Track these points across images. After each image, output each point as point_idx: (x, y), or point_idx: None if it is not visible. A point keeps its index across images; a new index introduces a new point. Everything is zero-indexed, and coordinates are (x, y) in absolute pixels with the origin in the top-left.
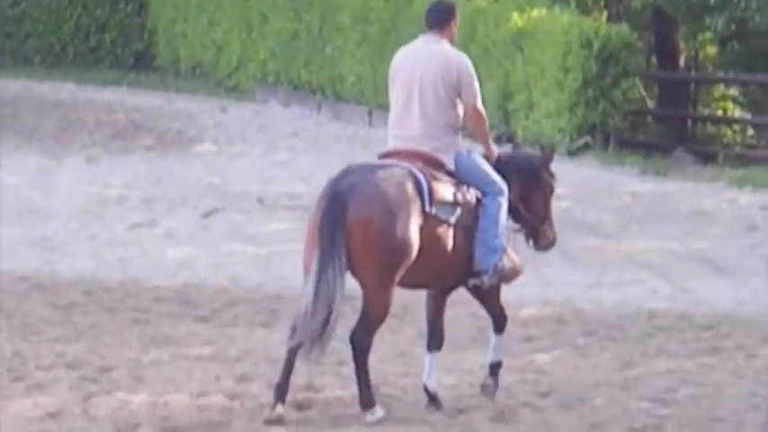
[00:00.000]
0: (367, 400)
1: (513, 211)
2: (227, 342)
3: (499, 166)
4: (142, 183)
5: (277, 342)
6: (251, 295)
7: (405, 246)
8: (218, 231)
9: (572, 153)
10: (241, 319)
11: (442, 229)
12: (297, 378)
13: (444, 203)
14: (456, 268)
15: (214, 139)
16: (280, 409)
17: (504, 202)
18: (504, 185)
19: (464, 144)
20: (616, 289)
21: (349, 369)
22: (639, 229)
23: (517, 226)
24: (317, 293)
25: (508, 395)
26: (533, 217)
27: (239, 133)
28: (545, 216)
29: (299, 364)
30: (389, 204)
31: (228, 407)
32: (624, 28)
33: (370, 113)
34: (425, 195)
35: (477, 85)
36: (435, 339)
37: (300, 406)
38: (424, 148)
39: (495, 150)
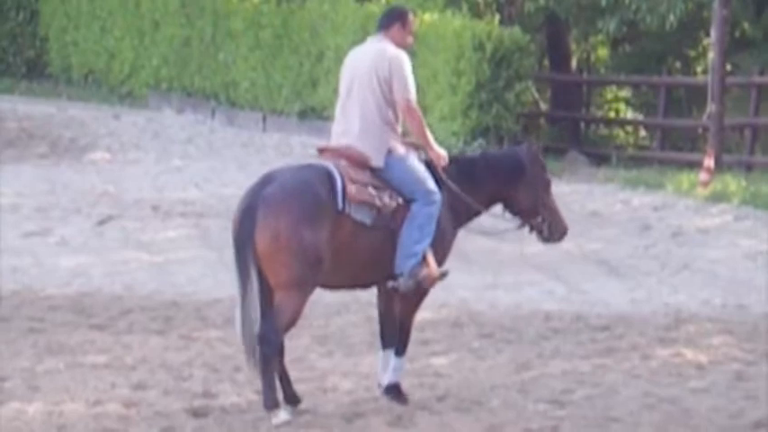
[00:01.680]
0: (271, 402)
1: (508, 209)
2: (123, 350)
3: (463, 168)
4: (35, 191)
5: (173, 349)
6: (146, 303)
7: (311, 255)
8: (112, 239)
9: None
10: (136, 326)
11: (358, 231)
12: (193, 385)
13: (361, 204)
14: (376, 269)
15: (108, 147)
16: (283, 415)
17: (434, 210)
18: (436, 194)
19: (406, 145)
20: (511, 291)
21: (245, 375)
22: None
23: (513, 225)
24: (242, 313)
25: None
26: (522, 213)
27: (133, 140)
28: (535, 210)
29: (195, 371)
30: (294, 216)
31: (125, 415)
32: (516, 31)
33: (264, 119)
34: (338, 196)
35: (410, 81)
36: (387, 337)
37: (197, 413)
38: (357, 145)
39: (438, 149)
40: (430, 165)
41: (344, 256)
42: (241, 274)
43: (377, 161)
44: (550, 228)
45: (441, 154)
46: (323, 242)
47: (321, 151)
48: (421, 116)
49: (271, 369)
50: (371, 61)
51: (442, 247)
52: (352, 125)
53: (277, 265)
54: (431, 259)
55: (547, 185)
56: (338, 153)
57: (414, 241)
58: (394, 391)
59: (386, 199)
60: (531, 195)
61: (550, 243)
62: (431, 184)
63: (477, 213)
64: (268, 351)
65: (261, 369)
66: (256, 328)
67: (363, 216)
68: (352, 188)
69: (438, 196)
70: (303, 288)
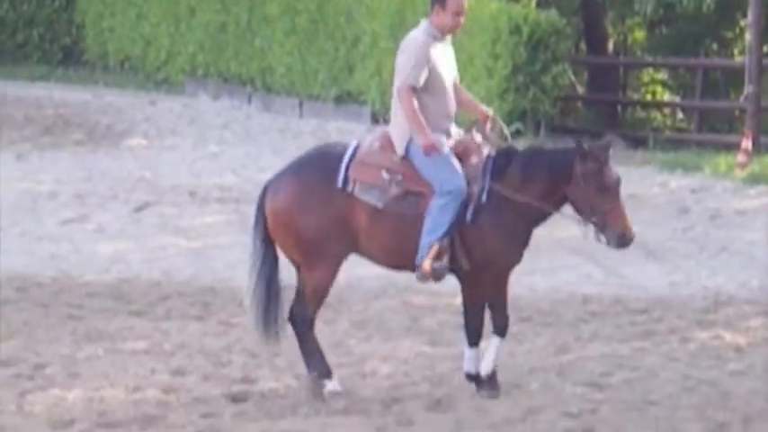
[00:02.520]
0: (321, 369)
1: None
2: (162, 336)
3: (507, 162)
4: (73, 178)
5: (211, 335)
6: (184, 289)
7: (311, 233)
8: (150, 225)
9: None
10: (175, 312)
11: (371, 212)
12: (232, 371)
13: (366, 185)
14: (404, 255)
15: (144, 133)
16: (333, 385)
17: (448, 201)
18: (449, 186)
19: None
20: (549, 275)
21: (284, 360)
22: (572, 215)
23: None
24: (253, 286)
25: (444, 383)
26: (578, 213)
27: (169, 127)
28: (586, 214)
29: (234, 357)
30: (288, 195)
31: (164, 400)
32: (553, 14)
33: (300, 104)
34: (339, 175)
35: (404, 64)
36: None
37: (236, 398)
38: (389, 130)
39: (428, 137)
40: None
41: (367, 237)
42: (252, 253)
43: (399, 148)
44: (606, 233)
45: (428, 143)
46: (326, 219)
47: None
48: (411, 101)
49: (308, 340)
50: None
51: (483, 247)
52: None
53: (284, 245)
54: (432, 253)
55: (602, 189)
56: (380, 135)
57: (425, 232)
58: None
59: (392, 183)
60: (580, 198)
61: (614, 247)
62: (447, 176)
63: (543, 212)
64: (300, 325)
65: (299, 344)
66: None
67: (371, 198)
68: (356, 169)
69: (455, 189)
70: (317, 264)
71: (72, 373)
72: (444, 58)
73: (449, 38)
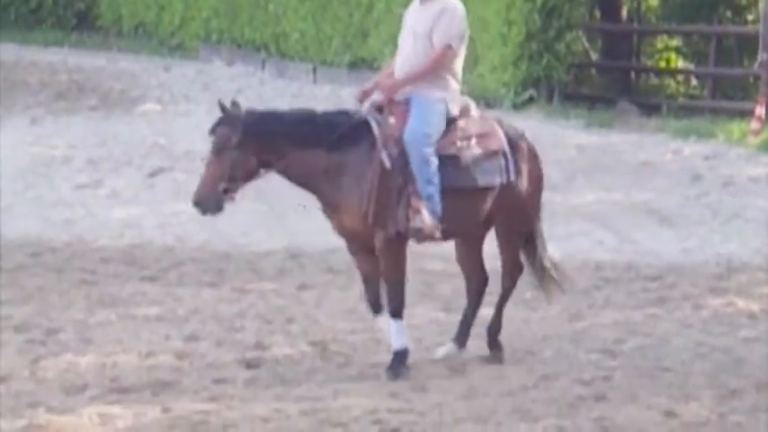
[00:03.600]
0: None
1: None
2: (175, 302)
3: None
4: (87, 143)
5: (225, 301)
6: (197, 255)
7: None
8: (163, 191)
9: (517, 107)
10: (188, 278)
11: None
12: (246, 336)
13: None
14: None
15: (158, 99)
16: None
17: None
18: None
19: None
20: (562, 242)
21: (297, 327)
22: (585, 182)
23: None
24: None
25: None
26: None
27: (183, 92)
28: None
29: (248, 323)
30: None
31: (177, 366)
32: None
33: (314, 70)
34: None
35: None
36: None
37: (249, 364)
38: None
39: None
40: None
41: None
42: None
43: None
44: None
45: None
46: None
47: None
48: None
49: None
50: None
51: None
52: None
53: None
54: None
55: None
56: None
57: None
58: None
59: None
60: None
61: None
62: None
63: None
64: None
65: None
66: None
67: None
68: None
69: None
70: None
71: (85, 338)
72: (414, 20)
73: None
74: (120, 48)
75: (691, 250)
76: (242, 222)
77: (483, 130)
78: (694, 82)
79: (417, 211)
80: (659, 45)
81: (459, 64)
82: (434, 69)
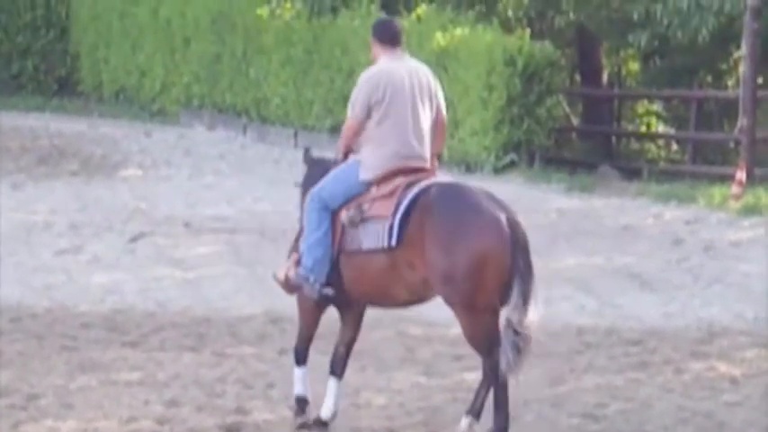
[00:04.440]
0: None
1: None
2: (156, 367)
3: None
4: (68, 208)
5: (206, 365)
6: (179, 319)
7: None
8: (144, 256)
9: (498, 171)
10: (169, 343)
11: None
12: (226, 402)
13: None
14: None
15: (139, 164)
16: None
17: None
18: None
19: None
20: (544, 305)
21: (278, 392)
22: (566, 246)
23: None
24: None
25: (438, 414)
26: None
27: (164, 157)
28: None
29: (228, 387)
30: None
31: (158, 431)
32: (547, 45)
33: (295, 134)
34: None
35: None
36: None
37: (230, 429)
38: None
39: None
40: None
41: None
42: None
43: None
44: None
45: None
46: None
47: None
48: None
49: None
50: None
51: None
52: None
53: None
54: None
55: None
56: None
57: None
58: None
59: None
60: None
61: None
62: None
63: None
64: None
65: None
66: None
67: None
68: None
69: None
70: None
71: (66, 403)
72: None
73: None
74: (101, 113)
75: (672, 314)
76: (222, 287)
77: (384, 194)
78: (675, 146)
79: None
80: (640, 110)
81: (374, 129)
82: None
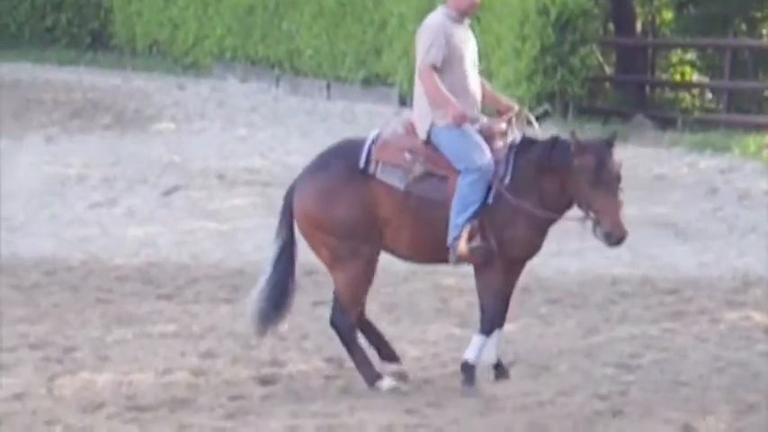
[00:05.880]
0: (370, 378)
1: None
2: (191, 319)
3: (529, 149)
4: (101, 162)
5: (240, 317)
6: (213, 272)
7: (342, 225)
8: (178, 209)
9: None
10: (204, 295)
11: (391, 195)
12: (260, 353)
13: (387, 165)
14: (432, 245)
15: (173, 117)
16: (387, 382)
17: (477, 178)
18: (478, 162)
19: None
20: (578, 256)
21: (312, 343)
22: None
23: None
24: (268, 280)
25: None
26: (578, 207)
27: (198, 110)
28: (587, 207)
29: (263, 339)
30: (319, 189)
31: (194, 383)
32: None
33: (328, 86)
34: (363, 155)
35: (423, 45)
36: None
37: (265, 381)
38: (413, 114)
39: (455, 105)
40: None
41: (393, 228)
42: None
43: (421, 132)
44: (597, 229)
45: (457, 113)
46: (354, 210)
47: None
48: (433, 79)
49: (355, 350)
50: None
51: (502, 233)
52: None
53: (316, 245)
54: (465, 233)
55: (597, 184)
56: (403, 121)
57: (455, 213)
58: (465, 369)
59: (415, 163)
60: (577, 191)
61: (604, 244)
62: (472, 155)
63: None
64: (341, 334)
65: (348, 353)
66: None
67: (393, 179)
68: (379, 149)
69: (483, 165)
70: (349, 265)
71: (101, 356)
72: (464, 41)
73: (467, 22)
74: (135, 66)
75: (707, 264)
76: (256, 239)
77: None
78: (709, 95)
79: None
80: (674, 59)
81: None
82: None
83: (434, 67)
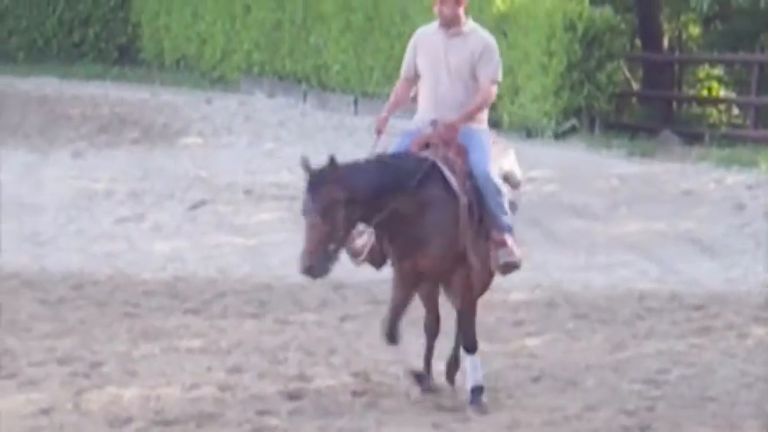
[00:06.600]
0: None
1: None
2: (218, 334)
3: None
4: (129, 176)
5: (267, 332)
6: (240, 286)
7: None
8: (205, 223)
9: (558, 136)
10: (231, 310)
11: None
12: (288, 368)
13: None
14: None
15: (200, 132)
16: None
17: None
18: None
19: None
20: (605, 271)
21: (340, 358)
22: (627, 211)
23: None
24: None
25: (500, 380)
26: None
27: (225, 125)
28: None
29: (290, 354)
30: None
31: (220, 398)
32: (608, 10)
33: (355, 102)
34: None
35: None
36: None
37: (292, 396)
38: None
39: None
40: None
41: None
42: None
43: None
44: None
45: (377, 119)
46: None
47: None
48: (395, 88)
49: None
50: None
51: None
52: None
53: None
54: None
55: None
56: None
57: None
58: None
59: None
60: None
61: None
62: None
63: None
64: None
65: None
66: None
67: None
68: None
69: None
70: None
71: (129, 371)
72: (445, 50)
73: (461, 32)
74: (162, 81)
75: (734, 280)
76: (283, 253)
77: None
78: (736, 111)
79: (502, 245)
80: (701, 74)
81: None
82: (486, 106)
83: (405, 79)
